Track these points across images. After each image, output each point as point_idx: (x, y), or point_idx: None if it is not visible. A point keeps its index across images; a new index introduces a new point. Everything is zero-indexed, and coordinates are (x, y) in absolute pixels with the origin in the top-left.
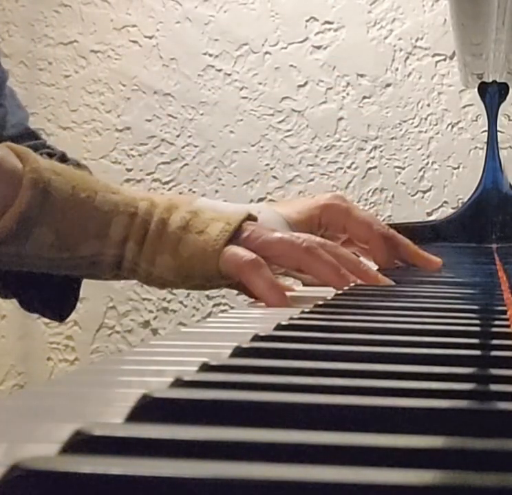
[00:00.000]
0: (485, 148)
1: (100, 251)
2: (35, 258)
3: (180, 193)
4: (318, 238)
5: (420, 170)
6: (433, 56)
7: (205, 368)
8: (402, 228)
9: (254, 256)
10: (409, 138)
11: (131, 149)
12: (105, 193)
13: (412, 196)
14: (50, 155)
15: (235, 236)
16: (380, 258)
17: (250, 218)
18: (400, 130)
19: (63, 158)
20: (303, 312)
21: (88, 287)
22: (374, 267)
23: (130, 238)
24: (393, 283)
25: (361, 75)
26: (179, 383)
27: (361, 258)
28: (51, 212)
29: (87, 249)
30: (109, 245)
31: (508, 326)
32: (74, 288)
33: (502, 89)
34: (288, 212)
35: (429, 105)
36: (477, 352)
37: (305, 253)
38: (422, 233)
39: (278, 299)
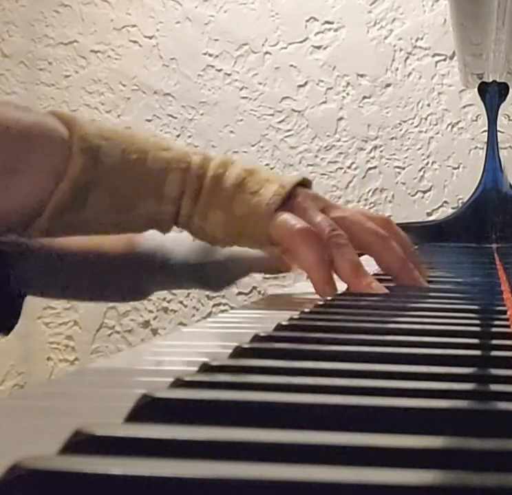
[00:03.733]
0: (485, 148)
1: (157, 209)
2: (94, 224)
3: None
4: (336, 232)
5: (420, 170)
6: (433, 56)
7: (205, 368)
8: (402, 228)
9: (306, 225)
10: (409, 138)
11: None
12: (156, 151)
13: (412, 196)
14: None
15: (287, 201)
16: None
17: (304, 182)
18: (400, 130)
19: None
20: (303, 312)
21: None
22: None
23: (185, 194)
24: (386, 291)
25: (361, 75)
26: (179, 383)
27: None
28: (104, 177)
29: (145, 209)
30: (165, 202)
31: (508, 326)
32: (19, 302)
33: (502, 89)
34: None
35: (429, 105)
36: (477, 352)
37: (328, 241)
38: (422, 233)
39: (324, 276)
